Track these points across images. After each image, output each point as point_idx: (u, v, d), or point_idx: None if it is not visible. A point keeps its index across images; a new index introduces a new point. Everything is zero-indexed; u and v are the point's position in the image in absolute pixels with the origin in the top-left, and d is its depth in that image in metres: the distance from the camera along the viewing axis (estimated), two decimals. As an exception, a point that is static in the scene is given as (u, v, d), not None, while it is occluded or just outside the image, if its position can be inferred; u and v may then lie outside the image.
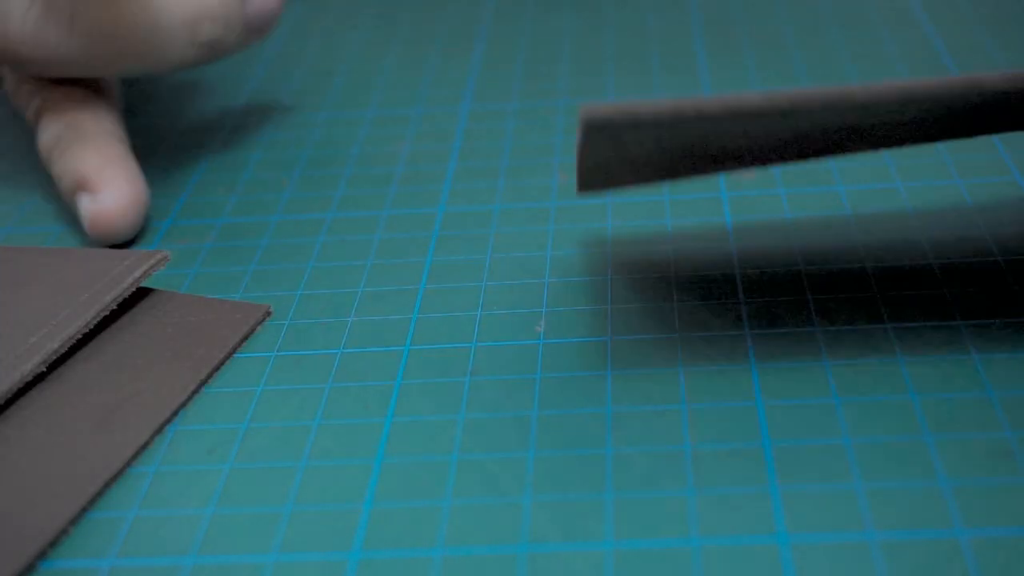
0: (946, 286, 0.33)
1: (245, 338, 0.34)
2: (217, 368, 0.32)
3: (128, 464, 0.29)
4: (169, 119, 0.48)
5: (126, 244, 0.39)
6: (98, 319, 0.33)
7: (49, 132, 0.41)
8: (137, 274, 0.34)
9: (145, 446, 0.30)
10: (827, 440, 0.28)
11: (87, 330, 0.33)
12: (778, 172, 0.39)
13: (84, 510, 0.28)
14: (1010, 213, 0.35)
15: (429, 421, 0.30)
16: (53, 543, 0.27)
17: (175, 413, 0.31)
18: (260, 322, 0.34)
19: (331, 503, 0.28)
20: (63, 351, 0.32)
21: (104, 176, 0.39)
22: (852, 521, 0.26)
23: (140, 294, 0.35)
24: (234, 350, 0.33)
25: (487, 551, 0.26)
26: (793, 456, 0.28)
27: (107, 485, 0.29)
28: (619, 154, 0.29)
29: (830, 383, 0.30)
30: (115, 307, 0.34)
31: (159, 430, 0.30)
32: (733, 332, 0.32)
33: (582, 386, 0.31)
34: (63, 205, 0.42)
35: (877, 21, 0.49)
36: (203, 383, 0.32)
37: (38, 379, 0.32)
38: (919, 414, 0.29)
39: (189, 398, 0.31)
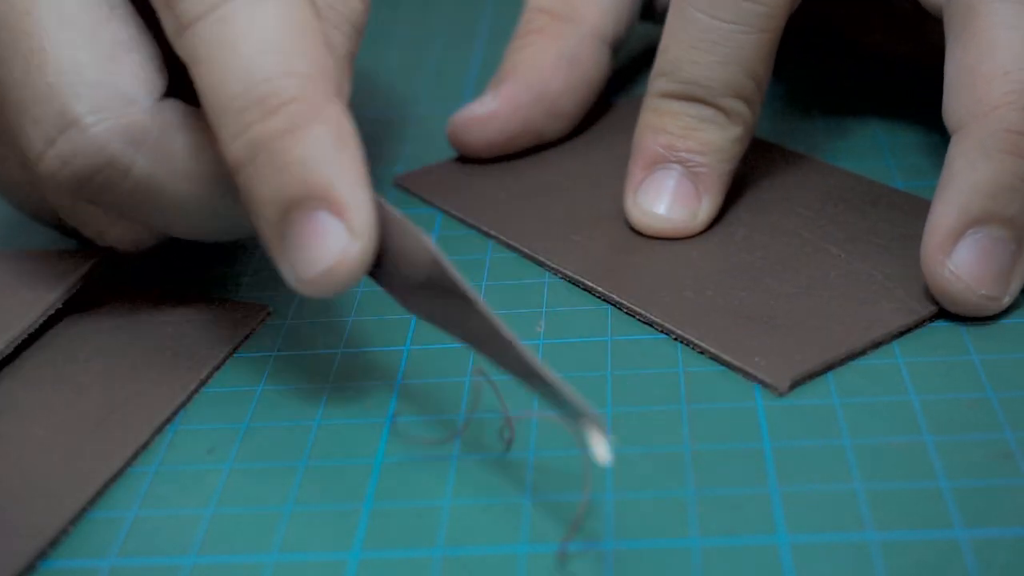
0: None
1: (245, 338, 0.34)
2: (217, 368, 0.32)
3: (128, 464, 0.29)
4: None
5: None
6: (44, 318, 0.33)
7: None
8: (83, 271, 0.34)
9: (145, 446, 0.30)
10: (827, 440, 0.28)
11: (32, 330, 0.33)
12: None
13: (84, 510, 0.28)
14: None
15: (429, 421, 0.30)
16: (53, 543, 0.27)
17: (175, 413, 0.31)
18: (260, 322, 0.34)
19: (331, 503, 0.28)
20: (8, 352, 0.32)
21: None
22: (852, 521, 0.26)
23: (140, 294, 0.35)
24: (234, 350, 0.33)
25: (487, 551, 0.26)
26: (793, 456, 0.28)
27: (107, 485, 0.29)
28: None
29: (830, 383, 0.30)
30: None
31: (159, 430, 0.30)
32: (733, 332, 0.32)
33: (582, 386, 0.30)
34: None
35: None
36: (203, 383, 0.32)
37: (37, 379, 0.32)
38: (919, 414, 0.29)
39: (189, 398, 0.31)
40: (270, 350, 0.33)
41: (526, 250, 0.36)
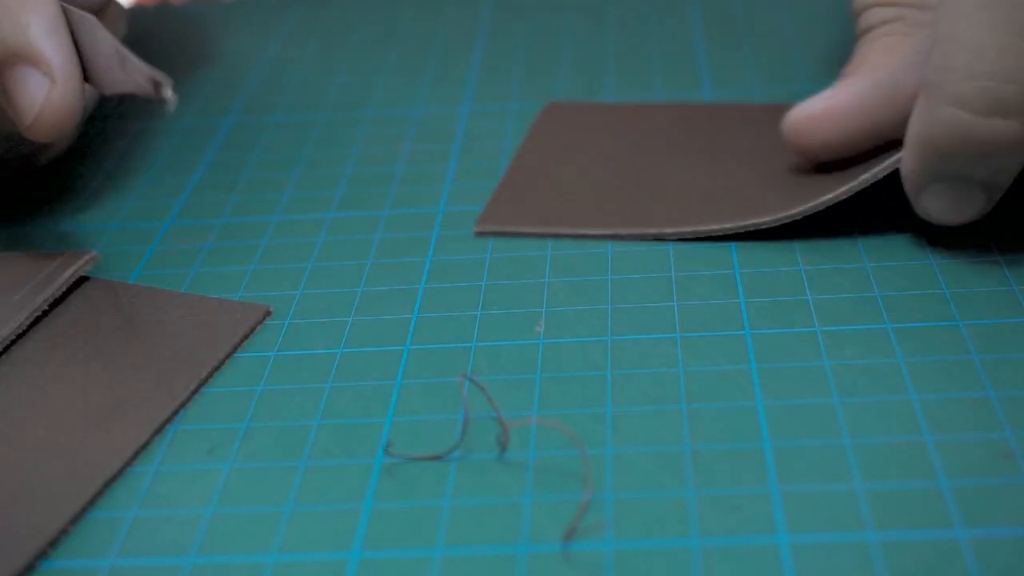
0: (947, 286, 0.33)
1: (245, 338, 0.34)
2: (217, 368, 0.32)
3: (128, 464, 0.29)
4: (169, 119, 0.48)
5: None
6: (31, 319, 0.33)
7: None
8: (67, 274, 0.34)
9: (145, 446, 0.30)
10: (827, 440, 0.28)
11: (20, 331, 0.33)
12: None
13: (84, 510, 0.28)
14: (1011, 213, 0.35)
15: (429, 421, 0.30)
16: (53, 543, 0.27)
17: (175, 413, 0.31)
18: (260, 322, 0.34)
19: (331, 503, 0.28)
20: None
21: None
22: (852, 521, 0.26)
23: (140, 294, 0.35)
24: (234, 350, 0.33)
25: (487, 551, 0.26)
26: (793, 456, 0.28)
27: (107, 485, 0.29)
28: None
29: (830, 383, 0.30)
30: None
31: (159, 430, 0.30)
32: (733, 331, 0.32)
33: (582, 386, 0.31)
34: None
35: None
36: (203, 383, 0.32)
37: (37, 379, 0.32)
38: (919, 414, 0.29)
39: (189, 398, 0.31)
40: (270, 350, 0.33)
41: (646, 232, 0.37)
